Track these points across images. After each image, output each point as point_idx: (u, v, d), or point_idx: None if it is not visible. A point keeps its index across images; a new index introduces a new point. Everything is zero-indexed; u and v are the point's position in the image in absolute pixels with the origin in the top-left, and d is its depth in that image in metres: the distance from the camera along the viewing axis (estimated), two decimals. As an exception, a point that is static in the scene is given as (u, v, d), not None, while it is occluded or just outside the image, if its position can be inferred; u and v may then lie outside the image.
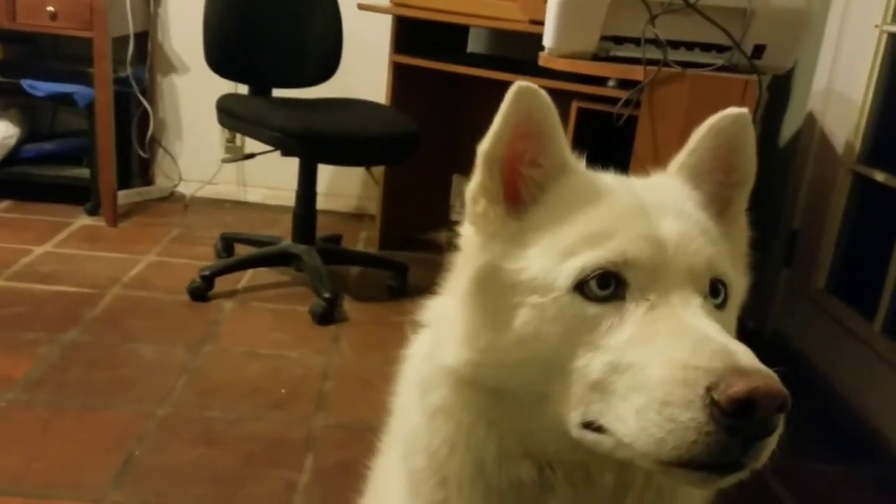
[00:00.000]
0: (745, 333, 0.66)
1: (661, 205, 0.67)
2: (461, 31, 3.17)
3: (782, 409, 0.55)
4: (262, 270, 2.69)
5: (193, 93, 3.39)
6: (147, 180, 3.53)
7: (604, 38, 1.83)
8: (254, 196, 3.56)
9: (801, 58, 2.35)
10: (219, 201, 3.50)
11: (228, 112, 2.52)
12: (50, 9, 2.84)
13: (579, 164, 0.72)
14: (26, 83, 2.97)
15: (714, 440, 0.54)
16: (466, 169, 0.73)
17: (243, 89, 2.73)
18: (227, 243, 2.86)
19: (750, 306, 0.75)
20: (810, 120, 2.40)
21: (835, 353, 2.18)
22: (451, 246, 0.76)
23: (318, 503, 1.57)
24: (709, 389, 0.54)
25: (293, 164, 2.62)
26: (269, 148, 2.45)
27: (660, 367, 0.57)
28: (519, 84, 0.66)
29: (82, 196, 3.12)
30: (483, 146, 0.69)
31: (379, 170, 3.08)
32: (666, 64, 1.73)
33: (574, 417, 0.63)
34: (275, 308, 2.47)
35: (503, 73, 2.46)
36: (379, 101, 2.82)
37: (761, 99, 1.77)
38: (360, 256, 2.99)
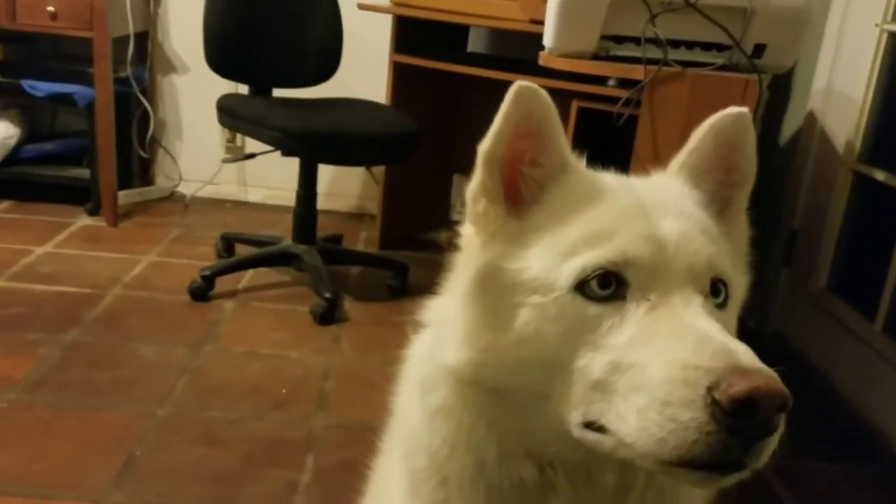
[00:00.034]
0: (745, 333, 0.66)
1: (661, 204, 0.67)
2: (461, 31, 3.17)
3: (783, 409, 0.55)
4: (262, 270, 2.69)
5: (194, 93, 3.39)
6: (147, 180, 3.53)
7: (604, 38, 1.83)
8: (254, 196, 3.56)
9: (802, 57, 2.35)
10: (219, 201, 3.50)
11: (229, 112, 2.52)
12: (50, 9, 2.84)
13: (580, 163, 0.72)
14: (26, 83, 2.97)
15: (715, 440, 0.54)
16: (467, 168, 0.72)
17: (243, 89, 2.73)
18: (228, 243, 2.86)
19: (750, 306, 0.75)
20: (810, 119, 2.40)
21: (835, 353, 2.18)
22: (452, 246, 0.76)
23: (319, 503, 1.57)
24: (710, 389, 0.54)
25: (293, 164, 2.62)
26: (269, 148, 2.45)
27: (661, 367, 0.57)
28: (519, 84, 0.66)
29: (83, 196, 3.12)
30: (483, 146, 0.69)
31: (379, 169, 3.08)
32: (666, 63, 1.73)
33: (575, 417, 0.63)
34: (275, 308, 2.47)
35: (503, 72, 2.46)
36: (379, 101, 2.82)
37: (761, 98, 1.77)
38: (360, 256, 2.99)
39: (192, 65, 3.35)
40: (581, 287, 0.63)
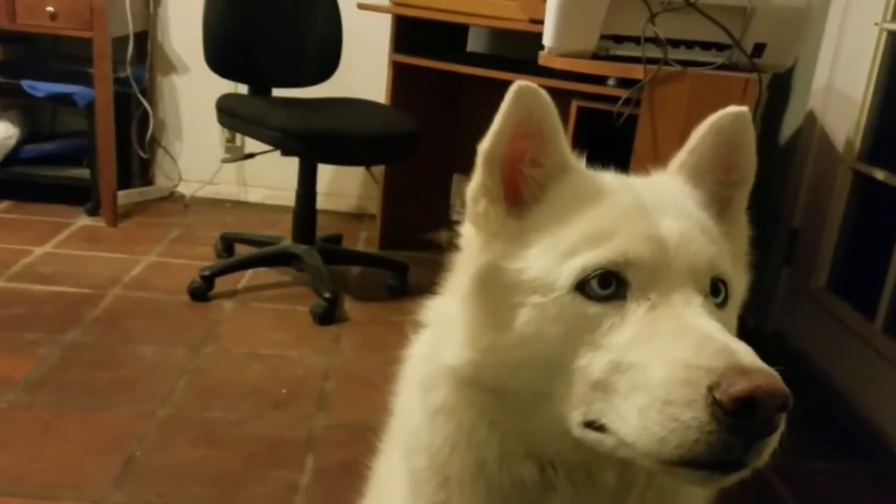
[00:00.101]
0: (745, 332, 0.66)
1: (661, 204, 0.67)
2: (461, 31, 3.17)
3: (784, 408, 0.55)
4: (262, 270, 2.69)
5: (193, 93, 3.39)
6: (147, 180, 3.53)
7: (604, 37, 1.83)
8: (254, 196, 3.56)
9: (802, 56, 2.35)
10: (219, 201, 3.50)
11: (228, 112, 2.52)
12: (49, 9, 2.84)
13: (580, 163, 0.72)
14: (26, 83, 2.97)
15: (716, 439, 0.54)
16: (467, 168, 0.72)
17: (243, 89, 2.73)
18: (228, 243, 2.86)
19: (750, 305, 0.75)
20: (810, 118, 2.40)
21: (835, 352, 2.18)
22: (452, 246, 0.76)
23: (319, 503, 1.56)
24: (710, 389, 0.54)
25: (293, 163, 2.62)
26: (269, 148, 2.45)
27: (661, 367, 0.57)
28: (519, 83, 0.66)
29: (82, 196, 3.12)
30: (483, 146, 0.69)
31: (379, 169, 3.08)
32: (666, 62, 1.73)
33: (576, 417, 0.63)
34: (275, 308, 2.47)
35: (503, 72, 2.46)
36: (379, 101, 2.82)
37: (761, 97, 1.77)
38: (360, 256, 2.99)
39: (192, 65, 3.35)
40: (581, 287, 0.63)
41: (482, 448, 0.69)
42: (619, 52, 1.84)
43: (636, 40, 1.77)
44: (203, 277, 2.46)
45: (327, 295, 2.38)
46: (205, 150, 3.46)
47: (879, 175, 2.16)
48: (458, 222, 0.75)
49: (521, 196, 0.70)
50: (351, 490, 1.09)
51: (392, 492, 0.83)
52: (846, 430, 2.02)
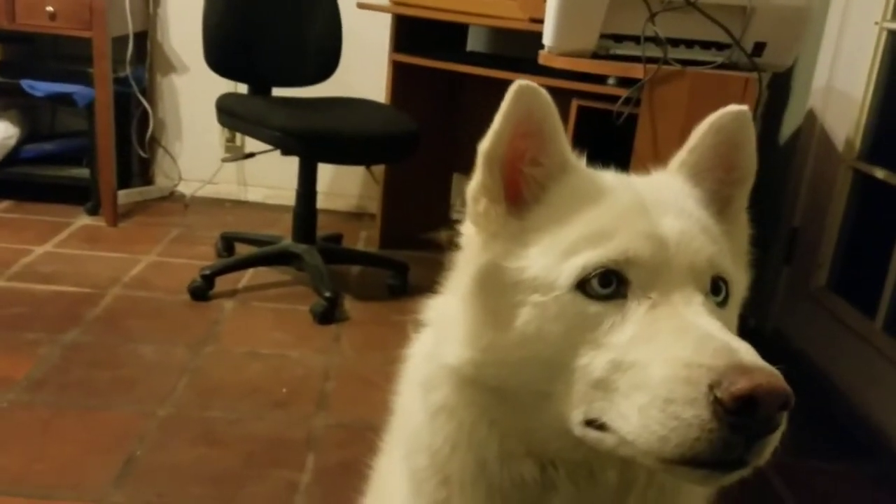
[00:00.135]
0: (746, 332, 0.66)
1: (661, 203, 0.67)
2: (461, 30, 3.17)
3: (785, 407, 0.55)
4: (262, 270, 2.69)
5: (193, 92, 3.39)
6: (147, 180, 3.53)
7: (603, 36, 1.83)
8: (254, 195, 3.56)
9: (802, 55, 2.35)
10: (219, 201, 3.50)
11: (228, 111, 2.52)
12: (49, 9, 2.84)
13: (580, 162, 0.72)
14: (26, 83, 2.97)
15: (717, 437, 0.54)
16: (467, 168, 0.72)
17: (243, 88, 2.73)
18: (228, 243, 2.86)
19: (750, 305, 0.75)
20: (810, 117, 2.40)
21: (836, 351, 2.18)
22: (452, 245, 0.76)
23: (320, 503, 1.57)
24: (711, 387, 0.54)
25: (293, 163, 2.62)
26: (269, 147, 2.45)
27: (662, 366, 0.57)
28: (519, 83, 0.66)
29: (82, 196, 3.12)
30: (483, 145, 0.69)
31: (379, 169, 3.08)
32: (666, 62, 1.73)
33: (576, 415, 0.63)
34: (275, 307, 2.47)
35: (503, 71, 2.46)
36: (379, 100, 2.82)
37: (761, 96, 1.77)
38: (360, 256, 2.99)
39: (192, 64, 3.35)
40: (582, 286, 0.63)
41: (483, 447, 0.69)
42: (619, 52, 1.84)
43: (636, 39, 1.77)
44: (203, 277, 2.46)
45: (327, 294, 2.38)
46: (205, 150, 3.46)
47: (879, 174, 2.16)
48: (458, 222, 0.75)
49: (521, 195, 0.70)
50: (351, 489, 1.09)
51: (393, 491, 0.83)
52: (846, 429, 2.02)
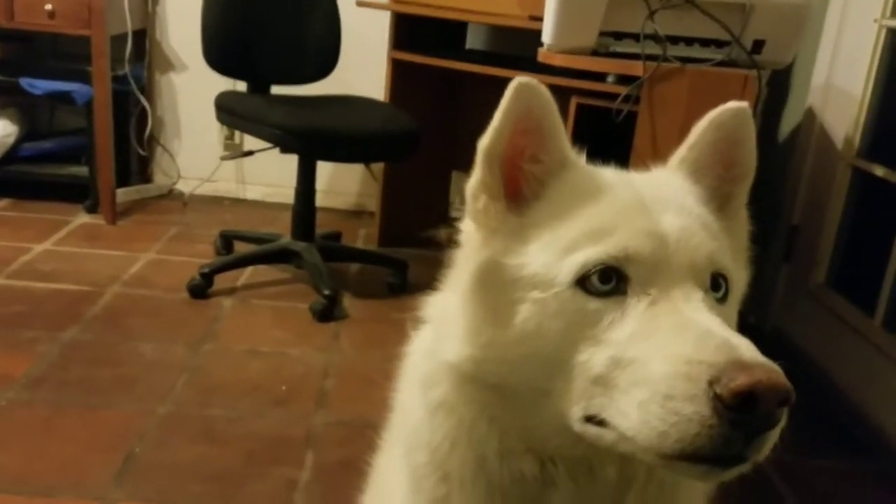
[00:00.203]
0: (745, 329, 0.66)
1: (661, 200, 0.67)
2: (460, 28, 3.17)
3: (785, 403, 0.55)
4: (261, 268, 2.69)
5: (192, 90, 3.39)
6: (146, 178, 3.53)
7: (603, 34, 1.83)
8: (253, 193, 3.55)
9: (801, 53, 2.35)
10: (218, 199, 3.50)
11: (227, 109, 2.51)
12: (48, 7, 2.83)
13: (580, 159, 0.72)
14: (24, 82, 2.96)
15: (717, 433, 0.54)
16: (466, 165, 0.72)
17: (242, 86, 2.73)
18: (227, 241, 2.85)
19: (750, 302, 0.75)
20: (810, 115, 2.40)
21: (835, 349, 2.19)
22: (451, 242, 0.76)
23: (319, 501, 1.57)
24: (711, 383, 0.54)
25: (292, 161, 2.61)
26: (268, 145, 2.45)
27: (662, 362, 0.57)
28: (519, 80, 0.66)
29: (81, 194, 3.12)
30: (483, 142, 0.69)
31: (378, 167, 3.08)
32: (665, 59, 1.73)
33: (576, 412, 0.63)
34: (275, 305, 2.47)
35: (502, 69, 2.45)
36: (378, 98, 2.82)
37: (761, 94, 1.77)
38: (359, 253, 2.99)
39: (191, 62, 3.35)
40: (582, 282, 0.63)
41: (482, 444, 0.70)
42: (619, 49, 1.84)
43: (636, 37, 1.77)
44: (202, 275, 2.46)
45: (327, 292, 2.38)
46: (203, 148, 3.45)
47: (879, 171, 2.16)
48: (457, 219, 0.75)
49: (521, 192, 0.70)
50: (351, 487, 1.09)
51: (392, 488, 0.83)
52: (846, 426, 2.02)
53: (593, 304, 0.62)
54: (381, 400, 0.87)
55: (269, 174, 3.44)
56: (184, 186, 3.50)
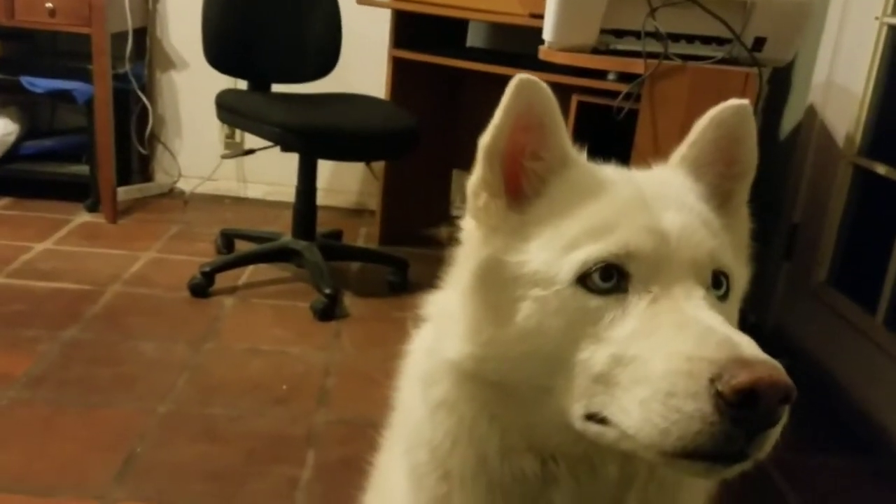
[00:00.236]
0: (746, 327, 0.66)
1: (662, 197, 0.67)
2: (460, 26, 3.16)
3: (787, 400, 0.54)
4: (262, 267, 2.69)
5: (192, 89, 3.39)
6: (146, 177, 3.53)
7: (604, 32, 1.83)
8: (254, 192, 3.55)
9: (802, 50, 2.35)
10: (218, 197, 3.50)
11: (228, 108, 2.51)
12: (48, 5, 2.83)
13: (580, 156, 0.72)
14: (25, 80, 2.96)
15: (718, 430, 0.54)
16: (466, 164, 0.72)
17: (242, 85, 2.73)
18: (228, 239, 2.85)
19: (751, 301, 0.75)
20: (811, 113, 2.40)
21: (836, 347, 2.18)
22: (452, 241, 0.75)
23: (320, 499, 1.57)
24: (713, 380, 0.54)
25: (293, 159, 2.61)
26: (268, 144, 2.45)
27: (664, 360, 0.57)
28: (520, 77, 0.66)
29: (82, 193, 3.12)
30: (484, 140, 0.68)
31: (379, 165, 3.08)
32: (666, 57, 1.73)
33: (577, 410, 0.62)
34: (275, 304, 2.47)
35: (503, 67, 2.45)
36: (378, 96, 2.81)
37: (762, 91, 1.77)
38: (360, 252, 2.99)
39: (191, 61, 3.35)
40: (583, 280, 0.62)
41: (483, 442, 0.69)
42: (620, 47, 1.84)
43: (636, 35, 1.77)
44: (203, 274, 2.46)
45: (327, 291, 2.38)
46: (204, 147, 3.45)
47: (880, 169, 2.16)
48: (457, 218, 0.75)
49: (521, 190, 0.69)
50: (352, 486, 1.09)
51: (393, 487, 0.83)
52: (847, 424, 2.02)
53: (594, 301, 0.62)
54: (381, 398, 0.87)
55: (270, 173, 3.44)
56: (184, 185, 3.50)
